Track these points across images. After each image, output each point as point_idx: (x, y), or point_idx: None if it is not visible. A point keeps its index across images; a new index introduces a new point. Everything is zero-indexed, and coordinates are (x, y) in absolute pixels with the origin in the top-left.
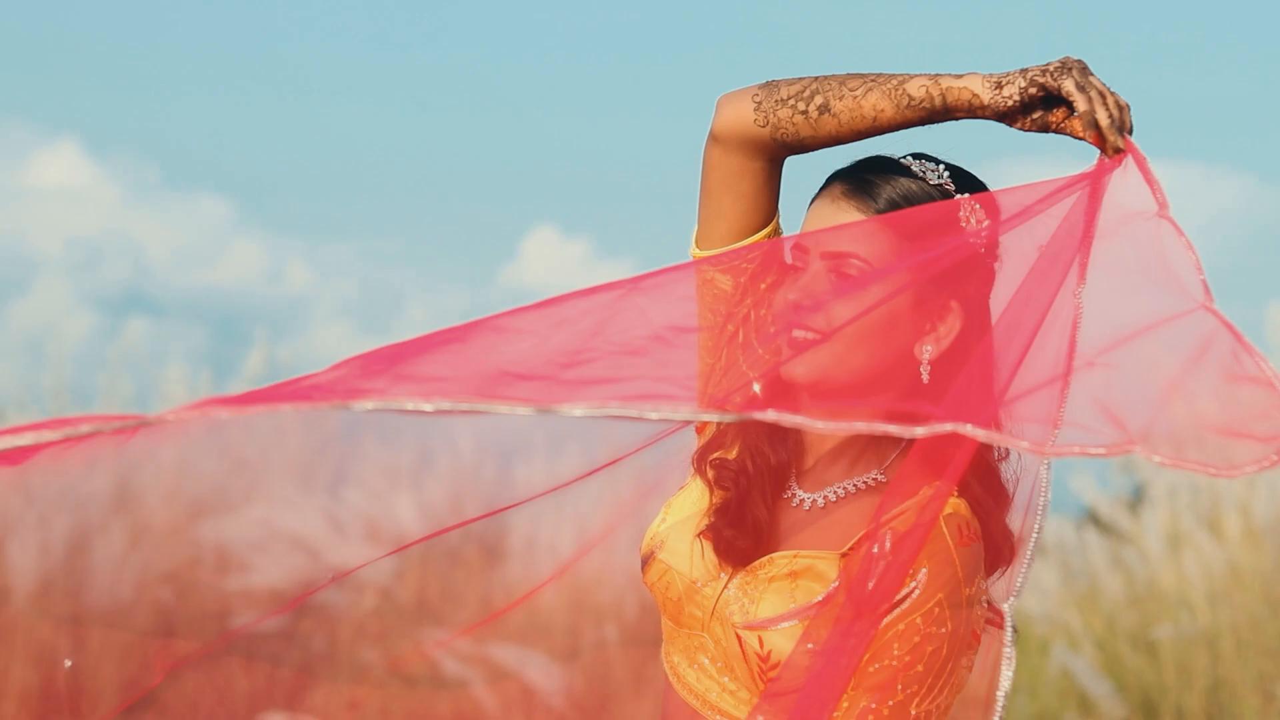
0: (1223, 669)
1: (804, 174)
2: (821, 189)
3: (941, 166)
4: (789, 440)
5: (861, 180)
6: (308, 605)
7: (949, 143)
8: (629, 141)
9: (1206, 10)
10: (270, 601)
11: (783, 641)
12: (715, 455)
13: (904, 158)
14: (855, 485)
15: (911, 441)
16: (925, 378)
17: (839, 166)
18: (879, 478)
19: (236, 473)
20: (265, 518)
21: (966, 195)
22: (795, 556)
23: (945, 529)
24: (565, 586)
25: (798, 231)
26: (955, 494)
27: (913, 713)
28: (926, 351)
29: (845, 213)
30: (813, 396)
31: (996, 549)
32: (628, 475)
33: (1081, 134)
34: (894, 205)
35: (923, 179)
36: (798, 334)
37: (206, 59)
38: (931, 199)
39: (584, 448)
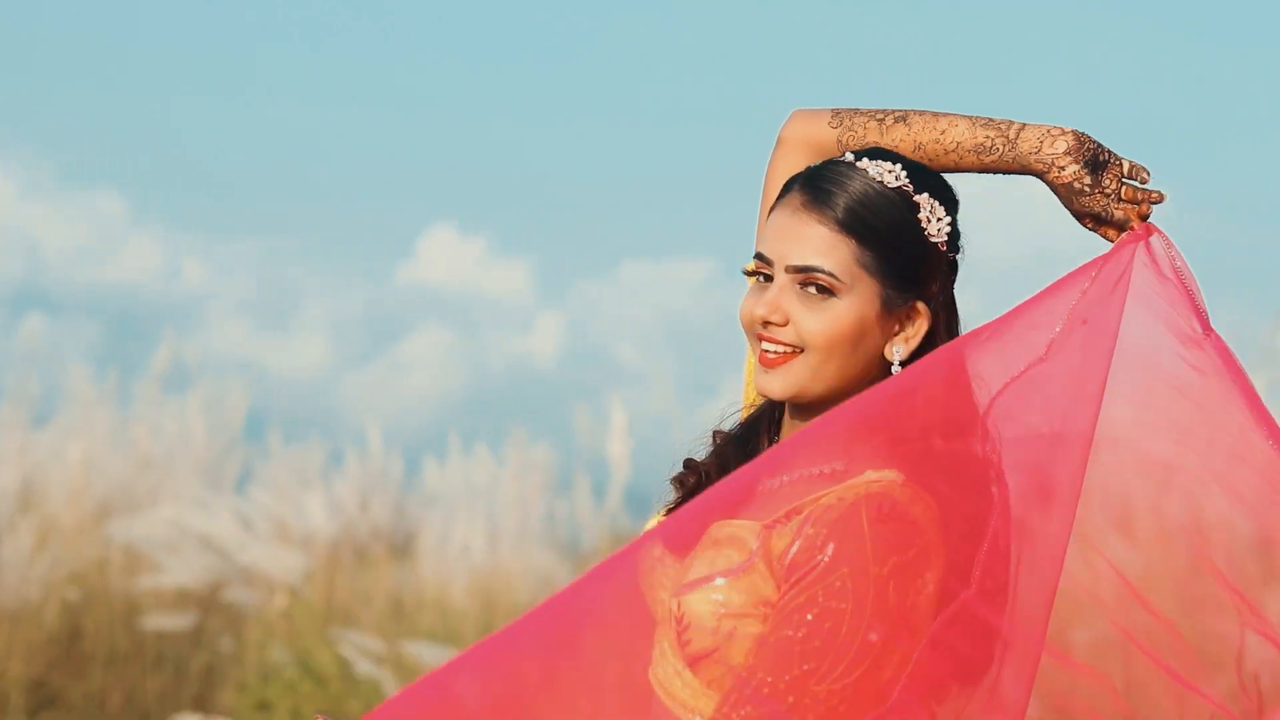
0: (1136, 671)
1: None
2: (781, 197)
3: (899, 166)
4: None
5: (819, 190)
6: (215, 604)
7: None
8: (526, 139)
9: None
10: (179, 601)
11: (698, 604)
12: (687, 457)
13: (860, 160)
14: (814, 471)
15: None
16: None
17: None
18: (838, 467)
19: (143, 472)
20: (174, 517)
21: (925, 194)
22: (723, 525)
23: (864, 507)
24: (477, 585)
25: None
26: (904, 479)
27: (815, 689)
28: (897, 353)
29: (807, 225)
30: (790, 408)
31: (961, 538)
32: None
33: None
34: (854, 213)
35: (881, 183)
36: (767, 348)
37: (101, 55)
38: (891, 202)
39: (492, 447)
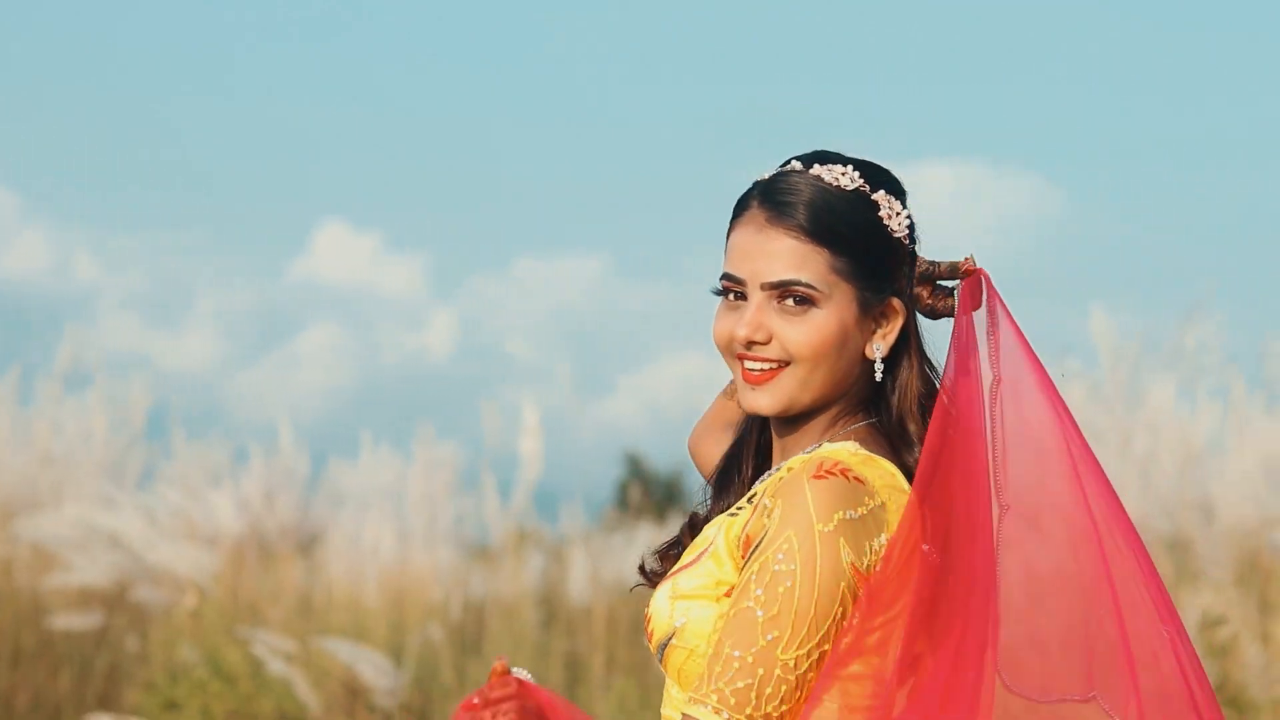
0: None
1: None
2: (739, 214)
3: (850, 167)
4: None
5: (779, 203)
6: (122, 603)
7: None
8: (419, 136)
9: (992, 11)
10: (86, 600)
11: (658, 599)
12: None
13: (810, 166)
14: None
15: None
16: (879, 377)
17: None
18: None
19: (45, 470)
20: (81, 516)
21: (881, 191)
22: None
23: (805, 469)
24: (389, 585)
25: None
26: (858, 447)
27: (781, 657)
28: (877, 351)
29: (774, 240)
30: (780, 421)
31: (933, 505)
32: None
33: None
34: (819, 221)
35: (838, 186)
36: (752, 366)
37: None
38: (852, 204)
39: (399, 446)
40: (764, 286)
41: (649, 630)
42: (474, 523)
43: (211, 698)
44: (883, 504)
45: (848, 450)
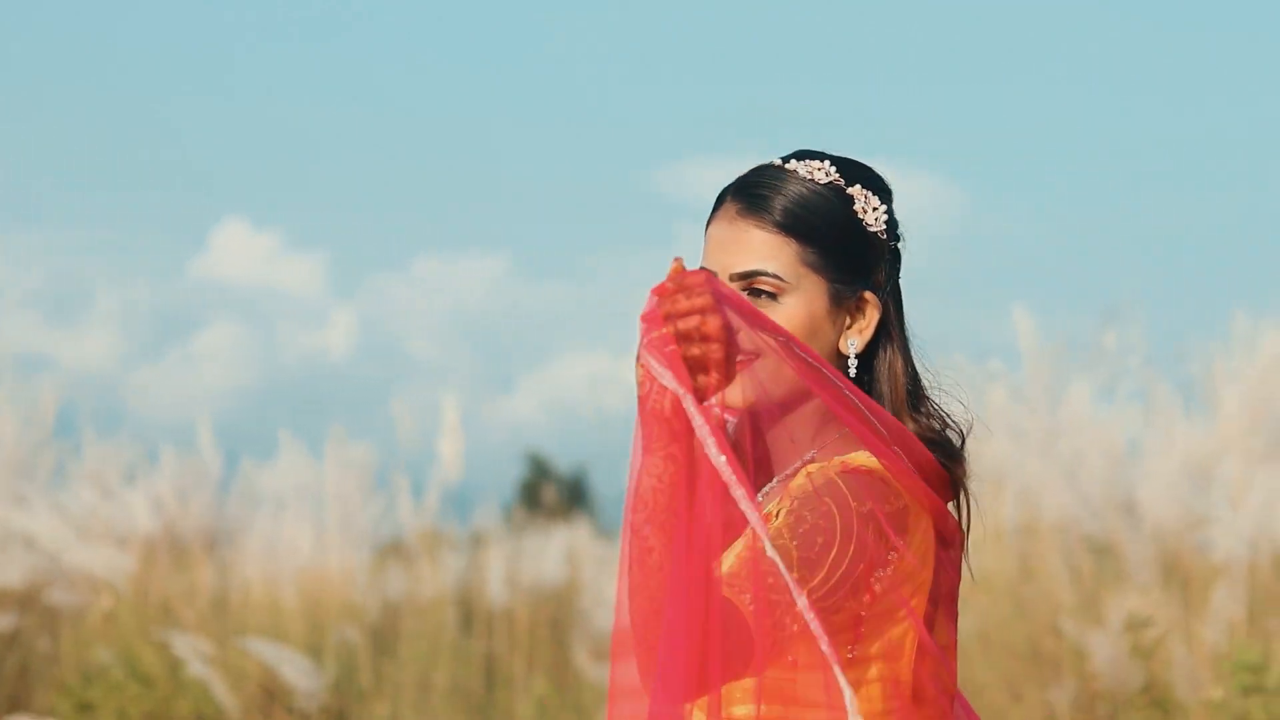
0: (971, 671)
1: None
2: (715, 210)
3: (827, 162)
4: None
5: (753, 196)
6: (34, 604)
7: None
8: (319, 134)
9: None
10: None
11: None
12: None
13: (787, 162)
14: (789, 471)
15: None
16: (851, 372)
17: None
18: (810, 455)
19: None
20: None
21: (858, 185)
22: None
23: (837, 470)
24: (306, 586)
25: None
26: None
27: (814, 589)
28: (852, 345)
29: (745, 231)
30: (757, 414)
31: (942, 518)
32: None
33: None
34: (790, 214)
35: (812, 180)
36: None
37: None
38: (825, 198)
39: (313, 447)
40: (733, 277)
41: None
42: (388, 523)
43: (128, 700)
44: (906, 506)
45: (864, 455)
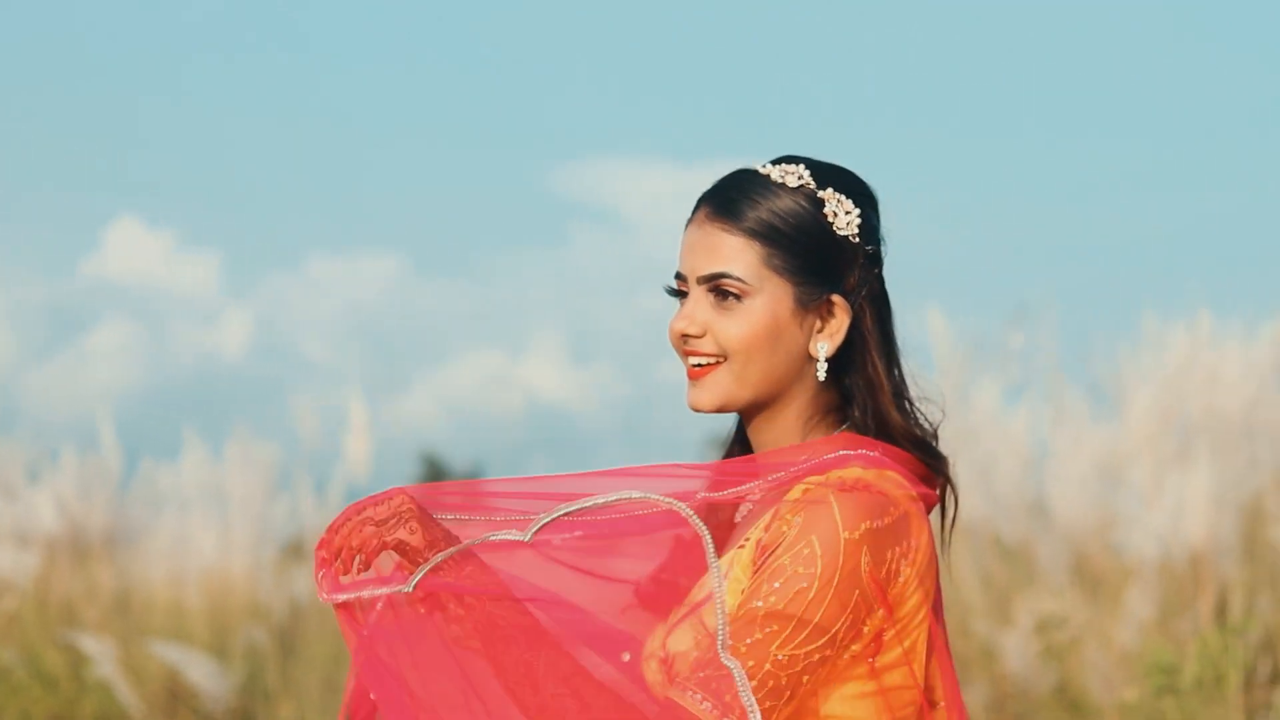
0: None
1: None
2: (691, 213)
3: (801, 166)
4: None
5: (724, 200)
6: None
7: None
8: (213, 131)
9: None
10: None
11: (679, 641)
12: None
13: (764, 166)
14: (774, 479)
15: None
16: (821, 375)
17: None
18: (799, 460)
19: None
20: None
21: (830, 189)
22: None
23: (829, 486)
24: (210, 586)
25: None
26: (864, 467)
27: (775, 653)
28: (822, 349)
29: (713, 235)
30: (740, 414)
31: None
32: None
33: None
34: (757, 218)
35: (783, 184)
36: (693, 362)
37: None
38: (797, 202)
39: (214, 447)
40: (699, 280)
41: (671, 672)
42: (291, 523)
43: (31, 702)
44: (905, 512)
45: (858, 467)
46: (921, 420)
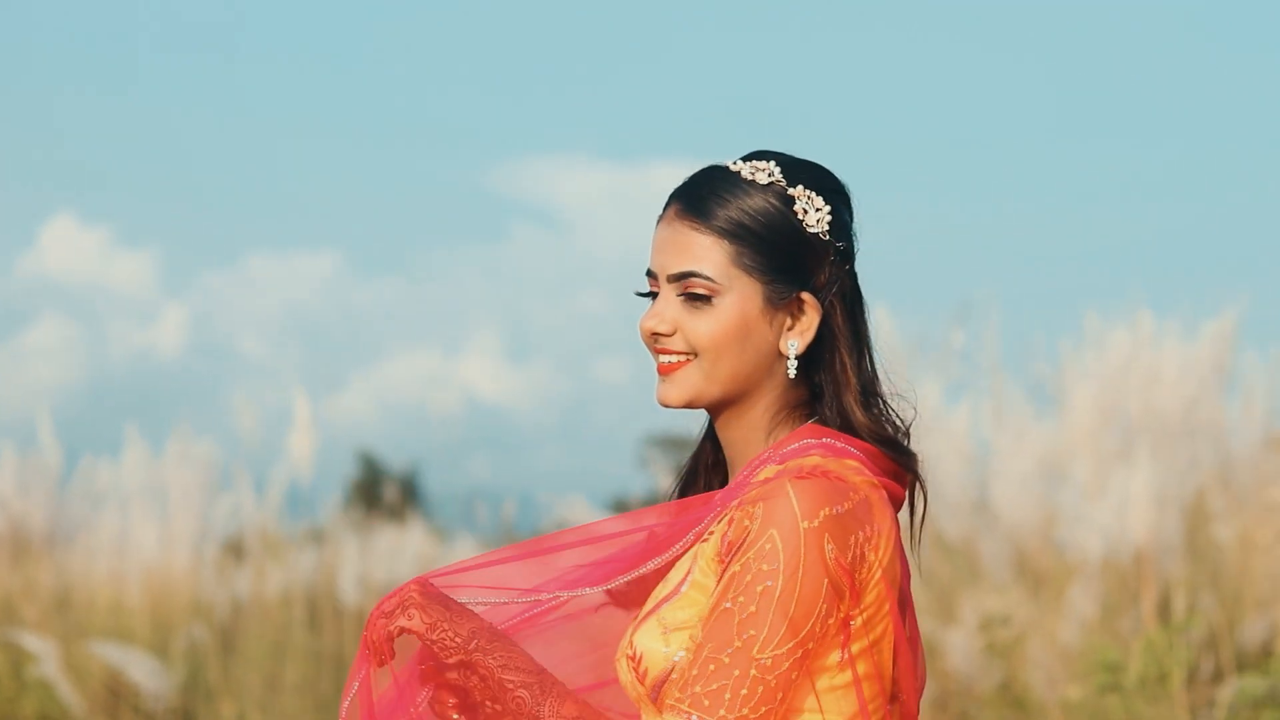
0: None
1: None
2: (662, 211)
3: (772, 163)
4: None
5: (694, 198)
6: None
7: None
8: (149, 128)
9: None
10: None
11: (646, 637)
12: None
13: (735, 163)
14: (747, 470)
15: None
16: (791, 373)
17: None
18: (767, 456)
19: None
20: None
21: (800, 186)
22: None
23: (787, 475)
24: (151, 584)
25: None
26: (823, 455)
27: (758, 656)
28: (792, 347)
29: (682, 234)
30: (708, 411)
31: (898, 505)
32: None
33: None
34: (725, 216)
35: (753, 181)
36: (663, 359)
37: None
38: (767, 200)
39: (154, 446)
40: (669, 279)
41: (639, 670)
42: (231, 521)
43: None
44: (866, 498)
45: (817, 455)
46: (892, 416)
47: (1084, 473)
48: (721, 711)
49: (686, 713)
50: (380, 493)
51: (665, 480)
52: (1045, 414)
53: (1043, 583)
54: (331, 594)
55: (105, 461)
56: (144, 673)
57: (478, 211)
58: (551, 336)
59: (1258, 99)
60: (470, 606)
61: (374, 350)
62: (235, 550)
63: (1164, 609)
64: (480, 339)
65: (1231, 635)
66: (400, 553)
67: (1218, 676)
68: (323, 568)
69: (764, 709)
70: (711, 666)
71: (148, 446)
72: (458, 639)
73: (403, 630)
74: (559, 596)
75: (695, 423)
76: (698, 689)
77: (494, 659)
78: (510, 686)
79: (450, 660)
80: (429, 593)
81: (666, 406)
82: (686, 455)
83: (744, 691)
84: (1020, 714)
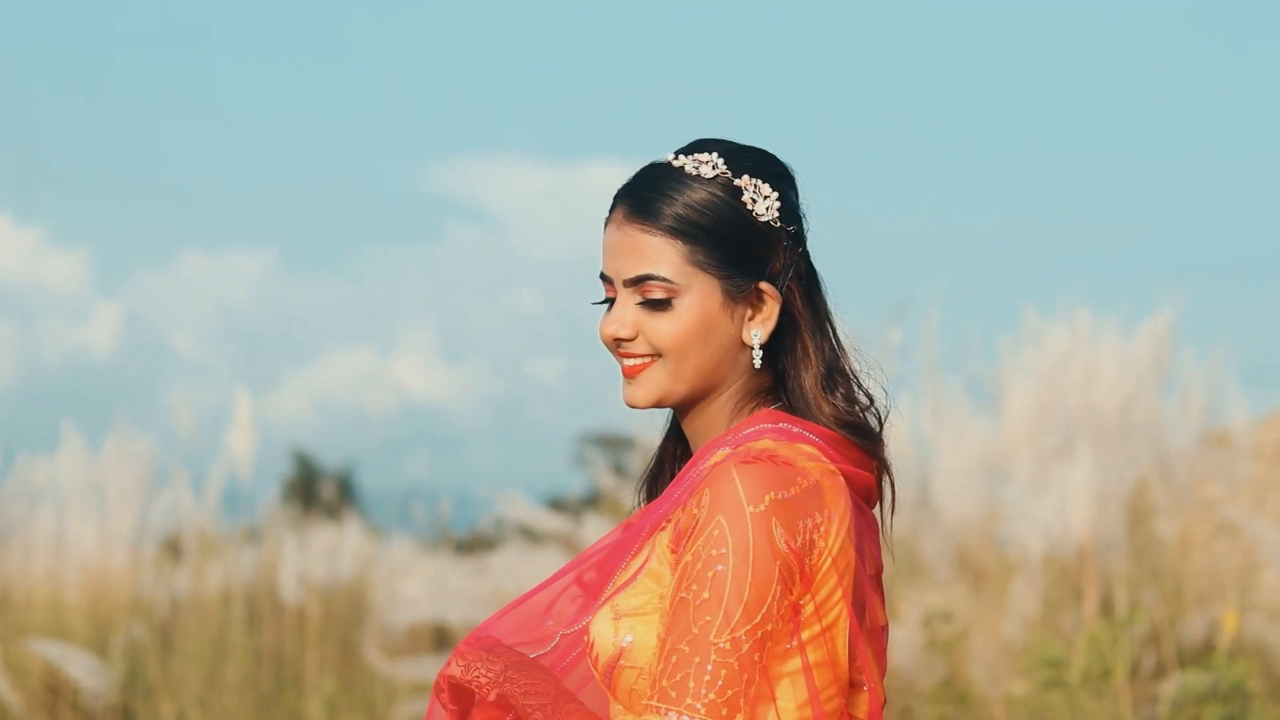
0: None
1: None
2: (609, 213)
3: (714, 154)
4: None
5: (640, 198)
6: None
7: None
8: (82, 126)
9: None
10: None
11: (599, 623)
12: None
13: (677, 157)
14: (705, 464)
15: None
16: (757, 363)
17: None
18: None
19: None
20: None
21: (745, 175)
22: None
23: (732, 459)
24: (89, 582)
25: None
26: (775, 440)
27: (715, 641)
28: (755, 336)
29: (633, 236)
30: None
31: (867, 489)
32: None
33: None
34: (678, 215)
35: (698, 175)
36: (627, 363)
37: None
38: (713, 194)
39: (92, 442)
40: (625, 283)
41: (593, 655)
42: (169, 519)
43: None
44: (816, 483)
45: (769, 439)
46: (858, 395)
47: (1024, 469)
48: (689, 700)
49: (657, 707)
50: (316, 491)
51: (604, 478)
52: (984, 411)
53: (984, 579)
54: (271, 592)
55: (42, 460)
56: (83, 671)
57: (413, 211)
58: (486, 335)
59: (1190, 99)
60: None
61: (309, 349)
62: (173, 548)
63: (1106, 605)
64: (415, 338)
65: (1173, 631)
66: (338, 551)
67: (1160, 672)
68: (261, 566)
69: (730, 692)
70: (674, 658)
71: (84, 445)
72: (489, 675)
73: (447, 678)
74: (562, 634)
75: (635, 421)
76: (664, 683)
77: (518, 688)
78: (529, 709)
79: (490, 697)
80: (471, 640)
81: (634, 407)
82: (624, 453)
83: (707, 677)
84: (963, 710)
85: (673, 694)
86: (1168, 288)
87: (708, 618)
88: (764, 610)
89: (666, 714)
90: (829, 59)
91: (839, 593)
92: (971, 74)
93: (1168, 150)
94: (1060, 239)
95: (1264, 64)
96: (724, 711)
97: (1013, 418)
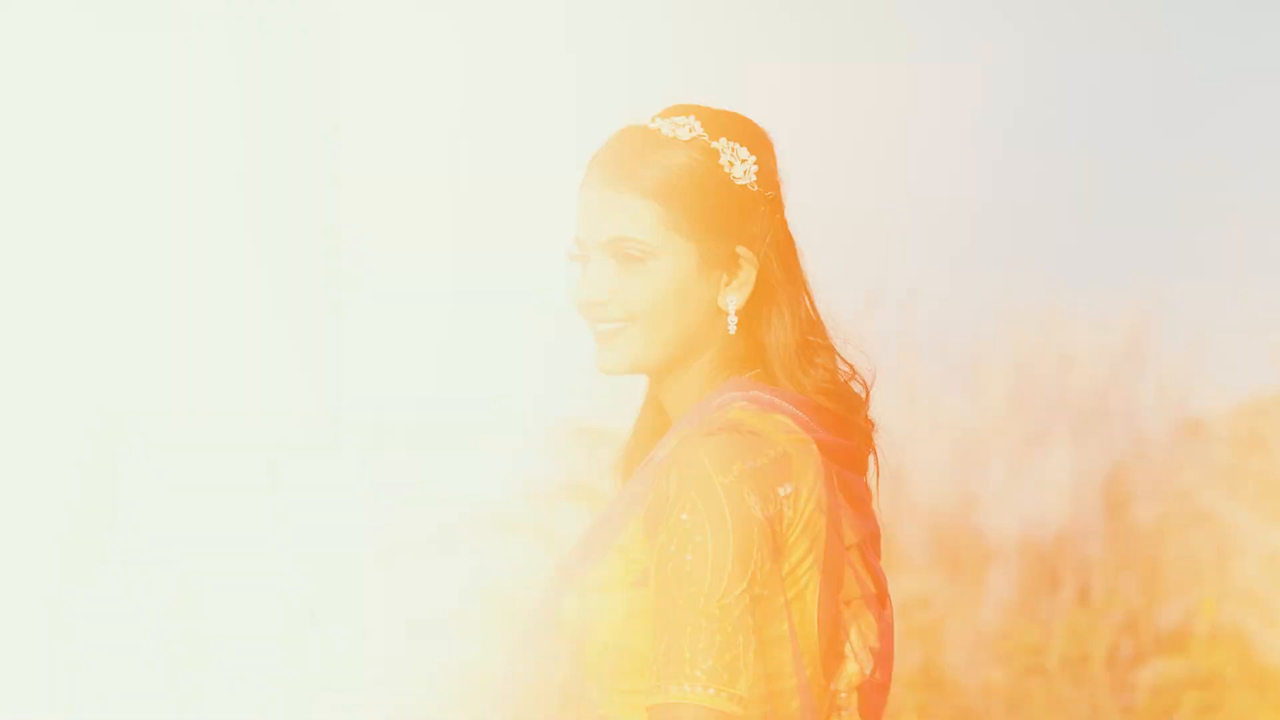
0: None
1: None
2: (584, 177)
3: (691, 117)
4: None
5: (616, 162)
6: None
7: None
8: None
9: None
10: None
11: (567, 600)
12: None
13: (654, 120)
14: (659, 456)
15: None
16: (731, 329)
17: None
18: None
19: None
20: None
21: (723, 139)
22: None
23: (695, 429)
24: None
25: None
26: (745, 408)
27: (704, 607)
28: (731, 302)
29: (609, 199)
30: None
31: (851, 458)
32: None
33: None
34: (654, 177)
35: (675, 138)
36: (601, 328)
37: None
38: (691, 157)
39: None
40: (599, 245)
41: (559, 629)
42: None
43: None
44: (785, 453)
45: (737, 409)
46: (839, 365)
47: (1001, 455)
48: (686, 669)
49: (655, 688)
50: None
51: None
52: (960, 396)
53: (961, 566)
54: None
55: None
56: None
57: None
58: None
59: (1166, 80)
60: None
61: None
62: None
63: (1083, 592)
64: None
65: (1151, 617)
66: None
67: (1138, 659)
68: None
69: (728, 655)
70: (666, 638)
71: None
72: None
73: None
74: None
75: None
76: (659, 665)
77: None
78: None
79: None
80: None
81: (608, 374)
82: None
83: (701, 645)
84: (940, 697)
85: (670, 670)
86: (1144, 275)
87: (691, 589)
88: (749, 572)
89: (668, 690)
90: (783, 41)
91: (807, 562)
92: (948, 52)
93: (1143, 131)
94: (1037, 224)
95: (1240, 45)
96: (725, 676)
97: (989, 403)
